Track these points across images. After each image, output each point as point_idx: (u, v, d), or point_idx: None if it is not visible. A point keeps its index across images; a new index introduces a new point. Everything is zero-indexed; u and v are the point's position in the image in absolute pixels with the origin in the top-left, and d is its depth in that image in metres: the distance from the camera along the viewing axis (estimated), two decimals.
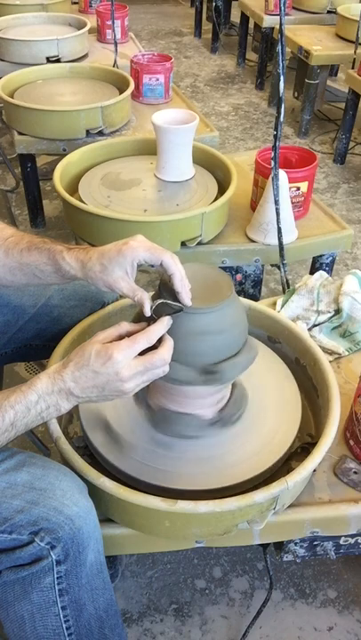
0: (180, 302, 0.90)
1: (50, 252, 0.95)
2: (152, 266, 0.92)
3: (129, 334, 0.86)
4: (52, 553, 0.82)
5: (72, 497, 0.85)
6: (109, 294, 1.26)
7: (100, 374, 0.82)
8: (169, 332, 0.89)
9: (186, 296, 0.90)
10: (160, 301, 0.89)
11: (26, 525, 0.82)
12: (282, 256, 1.50)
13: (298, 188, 1.64)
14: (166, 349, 0.85)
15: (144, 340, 0.83)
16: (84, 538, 0.85)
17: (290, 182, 1.55)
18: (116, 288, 0.91)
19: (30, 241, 0.98)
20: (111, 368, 0.81)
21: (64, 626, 0.88)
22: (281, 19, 1.23)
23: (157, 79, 2.32)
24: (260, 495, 0.90)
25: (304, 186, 1.65)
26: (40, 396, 0.82)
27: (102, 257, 0.91)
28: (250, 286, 1.70)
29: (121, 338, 0.85)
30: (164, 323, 0.87)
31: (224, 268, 1.59)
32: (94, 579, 0.90)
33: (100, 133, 2.06)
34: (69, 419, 1.15)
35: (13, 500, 0.83)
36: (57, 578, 0.84)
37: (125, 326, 0.87)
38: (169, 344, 0.86)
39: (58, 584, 0.85)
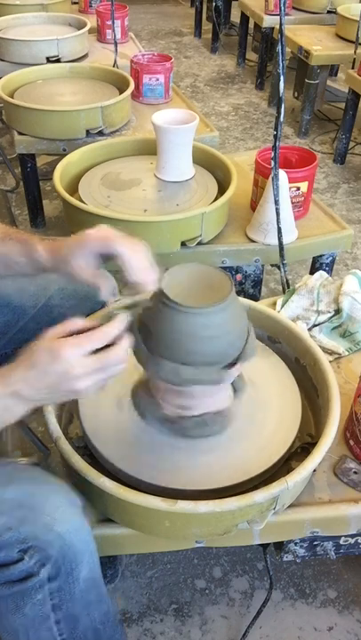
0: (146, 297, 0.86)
1: (24, 243, 0.95)
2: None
3: (81, 332, 0.80)
4: (42, 571, 0.81)
5: (63, 513, 0.82)
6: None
7: (49, 373, 0.76)
8: (168, 330, 0.89)
9: (145, 285, 0.87)
10: (117, 300, 0.85)
11: (15, 543, 0.80)
12: (282, 256, 1.50)
13: (298, 188, 1.64)
14: (121, 347, 0.80)
15: (97, 340, 0.78)
16: (76, 554, 0.83)
17: (290, 182, 1.55)
18: (78, 278, 0.90)
19: (5, 232, 0.98)
20: (59, 366, 0.76)
21: (58, 639, 0.87)
22: (281, 19, 1.23)
23: (157, 79, 2.32)
24: (260, 495, 0.90)
25: (304, 186, 1.65)
26: None
27: (66, 248, 0.91)
28: (250, 286, 1.70)
29: (72, 335, 0.80)
30: (120, 320, 0.82)
31: (224, 268, 1.59)
32: (89, 593, 0.89)
33: (100, 133, 2.06)
34: (69, 418, 1.15)
35: (1, 518, 0.80)
36: (49, 593, 0.83)
37: (78, 323, 0.81)
38: (125, 342, 0.82)
39: (51, 599, 0.83)
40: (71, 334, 0.79)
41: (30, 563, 0.80)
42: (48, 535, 0.80)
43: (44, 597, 0.83)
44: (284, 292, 1.49)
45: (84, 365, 0.77)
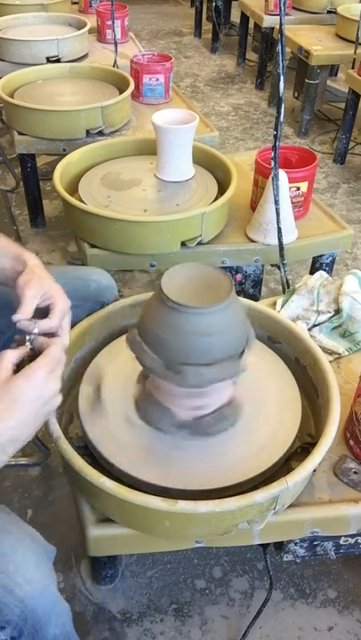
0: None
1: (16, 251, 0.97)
2: None
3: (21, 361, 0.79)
4: (1, 633, 0.76)
5: (26, 573, 0.76)
6: (109, 291, 1.26)
7: (31, 401, 0.74)
8: (170, 329, 0.89)
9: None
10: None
11: None
12: (282, 256, 1.50)
13: (298, 188, 1.64)
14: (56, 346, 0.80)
15: (57, 356, 0.78)
16: (40, 617, 0.78)
17: (290, 182, 1.55)
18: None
19: None
20: (39, 393, 0.75)
21: None
22: (281, 19, 1.23)
23: (157, 79, 2.32)
24: (260, 495, 0.90)
25: (304, 186, 1.65)
26: None
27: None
28: (250, 286, 1.70)
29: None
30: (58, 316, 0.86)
31: (224, 268, 1.59)
32: None
33: (100, 133, 2.06)
34: (69, 419, 1.15)
35: None
36: None
37: (11, 355, 0.78)
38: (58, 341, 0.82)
39: None
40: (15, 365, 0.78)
41: None
42: (7, 597, 0.75)
43: None
44: (284, 292, 1.49)
45: (55, 382, 0.77)
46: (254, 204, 1.68)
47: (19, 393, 0.74)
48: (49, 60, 2.52)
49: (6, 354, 0.78)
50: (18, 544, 0.79)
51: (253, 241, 1.62)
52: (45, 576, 0.80)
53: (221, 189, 1.70)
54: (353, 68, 2.90)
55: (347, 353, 1.32)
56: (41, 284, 0.91)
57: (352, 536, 1.07)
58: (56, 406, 0.79)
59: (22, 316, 0.87)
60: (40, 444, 1.52)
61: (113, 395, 1.11)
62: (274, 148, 1.40)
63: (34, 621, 0.78)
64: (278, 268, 1.54)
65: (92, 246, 1.57)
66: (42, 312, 0.91)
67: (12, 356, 0.78)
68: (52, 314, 0.91)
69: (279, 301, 1.42)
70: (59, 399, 0.79)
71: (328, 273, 1.67)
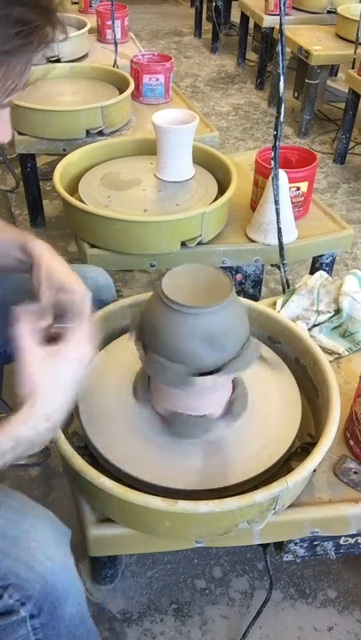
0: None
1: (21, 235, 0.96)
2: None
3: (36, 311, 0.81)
4: (22, 609, 0.77)
5: (46, 550, 0.78)
6: (107, 290, 1.25)
7: (70, 369, 0.77)
8: (169, 332, 0.89)
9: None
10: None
11: None
12: (282, 256, 1.50)
13: (298, 188, 1.64)
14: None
15: (86, 326, 0.81)
16: (60, 594, 0.80)
17: (290, 182, 1.55)
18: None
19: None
20: (75, 359, 0.78)
21: None
22: (281, 19, 1.23)
23: (157, 79, 2.32)
24: (260, 495, 0.90)
25: (304, 186, 1.65)
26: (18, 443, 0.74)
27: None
28: (250, 286, 1.70)
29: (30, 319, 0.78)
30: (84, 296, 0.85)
31: (224, 268, 1.59)
32: (76, 629, 0.86)
33: (100, 133, 2.06)
34: (69, 419, 1.14)
35: None
36: (32, 629, 0.80)
37: (28, 309, 0.79)
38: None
39: (34, 634, 0.80)
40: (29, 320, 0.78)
41: (10, 601, 0.77)
42: (29, 574, 0.77)
43: (27, 632, 0.80)
44: (284, 292, 1.49)
45: (90, 345, 0.79)
46: (254, 204, 1.68)
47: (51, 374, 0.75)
48: (49, 60, 2.52)
49: (23, 310, 0.78)
50: (38, 524, 0.80)
51: (253, 241, 1.62)
52: (65, 554, 0.81)
53: (221, 189, 1.70)
54: (353, 68, 2.90)
55: (347, 353, 1.32)
56: (50, 280, 0.90)
57: (352, 536, 1.07)
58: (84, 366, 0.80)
59: (45, 323, 0.86)
60: None
61: (113, 395, 1.11)
62: (274, 148, 1.40)
63: (53, 598, 0.79)
64: (278, 268, 1.54)
65: (92, 246, 1.57)
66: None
67: (29, 310, 0.79)
68: (73, 314, 0.88)
69: (279, 301, 1.42)
70: (90, 355, 0.80)
71: (328, 273, 1.67)
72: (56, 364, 0.76)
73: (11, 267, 0.97)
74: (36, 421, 0.74)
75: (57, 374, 0.76)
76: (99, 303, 1.24)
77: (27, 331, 0.76)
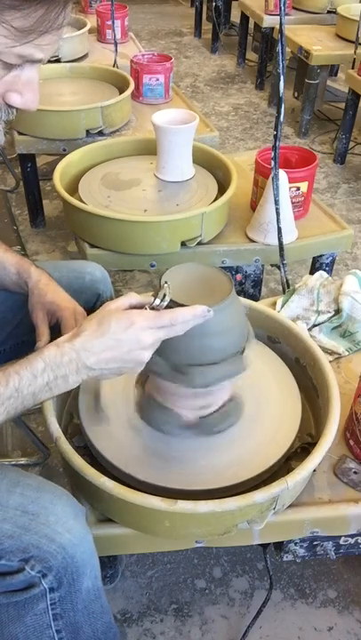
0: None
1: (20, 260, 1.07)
2: None
3: (136, 307, 0.83)
4: (43, 581, 0.80)
5: (66, 523, 0.81)
6: (103, 286, 1.26)
7: (122, 341, 0.77)
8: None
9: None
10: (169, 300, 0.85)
11: (16, 552, 0.79)
12: (282, 256, 1.50)
13: (298, 188, 1.64)
14: (190, 309, 0.82)
15: (167, 320, 0.80)
16: (79, 566, 0.82)
17: (290, 182, 1.55)
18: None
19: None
20: (133, 334, 0.77)
21: None
22: (281, 19, 1.22)
23: (157, 79, 2.32)
24: (260, 495, 0.90)
25: (304, 186, 1.65)
26: (47, 365, 0.76)
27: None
28: (250, 286, 1.70)
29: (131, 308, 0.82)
30: (197, 312, 0.82)
31: (224, 268, 1.59)
32: (92, 604, 0.88)
33: (100, 133, 2.06)
34: (69, 419, 1.15)
35: (4, 524, 0.79)
36: (51, 603, 0.82)
37: (135, 297, 0.83)
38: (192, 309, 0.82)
39: (52, 609, 0.83)
40: (131, 307, 0.82)
41: (32, 573, 0.79)
42: (50, 545, 0.79)
43: (45, 607, 0.82)
44: (284, 292, 1.49)
45: (154, 334, 0.79)
46: (254, 204, 1.68)
47: (109, 323, 0.78)
48: (49, 60, 2.51)
49: (133, 294, 0.84)
50: (56, 499, 0.83)
51: (253, 241, 1.62)
52: (83, 527, 0.84)
53: (221, 189, 1.70)
54: (353, 68, 2.90)
55: (347, 353, 1.32)
56: (43, 308, 1.02)
57: (352, 536, 1.07)
58: (137, 368, 0.82)
59: (43, 343, 0.97)
60: (40, 444, 1.52)
61: (113, 395, 1.11)
62: (274, 148, 1.40)
63: (73, 569, 0.81)
64: (278, 267, 1.54)
65: (92, 246, 1.57)
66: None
67: (135, 297, 0.83)
68: (63, 327, 0.99)
69: (279, 301, 1.42)
70: (144, 358, 0.80)
71: (328, 273, 1.67)
72: (114, 316, 0.79)
73: (10, 287, 1.09)
74: (75, 349, 0.77)
75: (106, 322, 0.78)
76: (96, 296, 1.24)
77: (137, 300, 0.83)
